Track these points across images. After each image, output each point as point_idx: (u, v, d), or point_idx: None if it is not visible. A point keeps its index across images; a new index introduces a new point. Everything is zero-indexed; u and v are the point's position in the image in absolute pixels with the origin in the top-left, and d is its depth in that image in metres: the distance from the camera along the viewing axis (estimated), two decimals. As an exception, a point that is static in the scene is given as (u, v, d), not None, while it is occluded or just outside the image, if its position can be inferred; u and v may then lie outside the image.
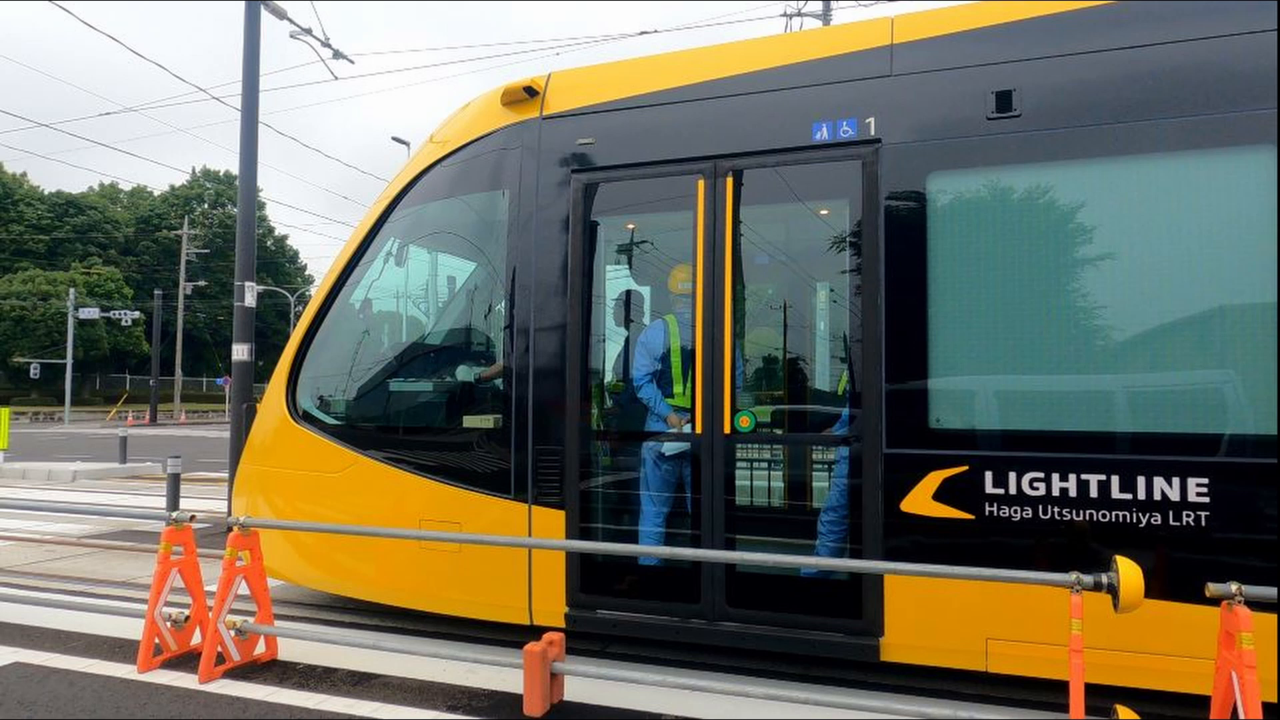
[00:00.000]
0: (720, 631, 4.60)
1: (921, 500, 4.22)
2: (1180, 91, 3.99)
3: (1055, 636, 3.97)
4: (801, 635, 4.46)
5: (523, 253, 5.13)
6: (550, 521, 4.93)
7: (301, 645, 5.10)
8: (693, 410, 4.71)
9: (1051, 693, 4.28)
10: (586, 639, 5.23)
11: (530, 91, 5.23)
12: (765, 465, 5.38)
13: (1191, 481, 3.82)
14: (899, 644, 4.28)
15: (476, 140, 5.47)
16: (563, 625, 4.89)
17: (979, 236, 4.22)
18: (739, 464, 4.75)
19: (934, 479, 4.20)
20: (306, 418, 5.82)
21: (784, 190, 4.67)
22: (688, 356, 4.91)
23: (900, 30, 4.55)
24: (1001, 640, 4.10)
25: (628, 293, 5.61)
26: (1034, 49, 4.27)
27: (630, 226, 5.33)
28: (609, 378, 5.39)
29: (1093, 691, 4.01)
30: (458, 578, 5.18)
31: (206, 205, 62.27)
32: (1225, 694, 3.35)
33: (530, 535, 4.96)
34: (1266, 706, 3.71)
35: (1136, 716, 3.41)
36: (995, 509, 4.10)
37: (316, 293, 6.00)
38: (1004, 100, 4.24)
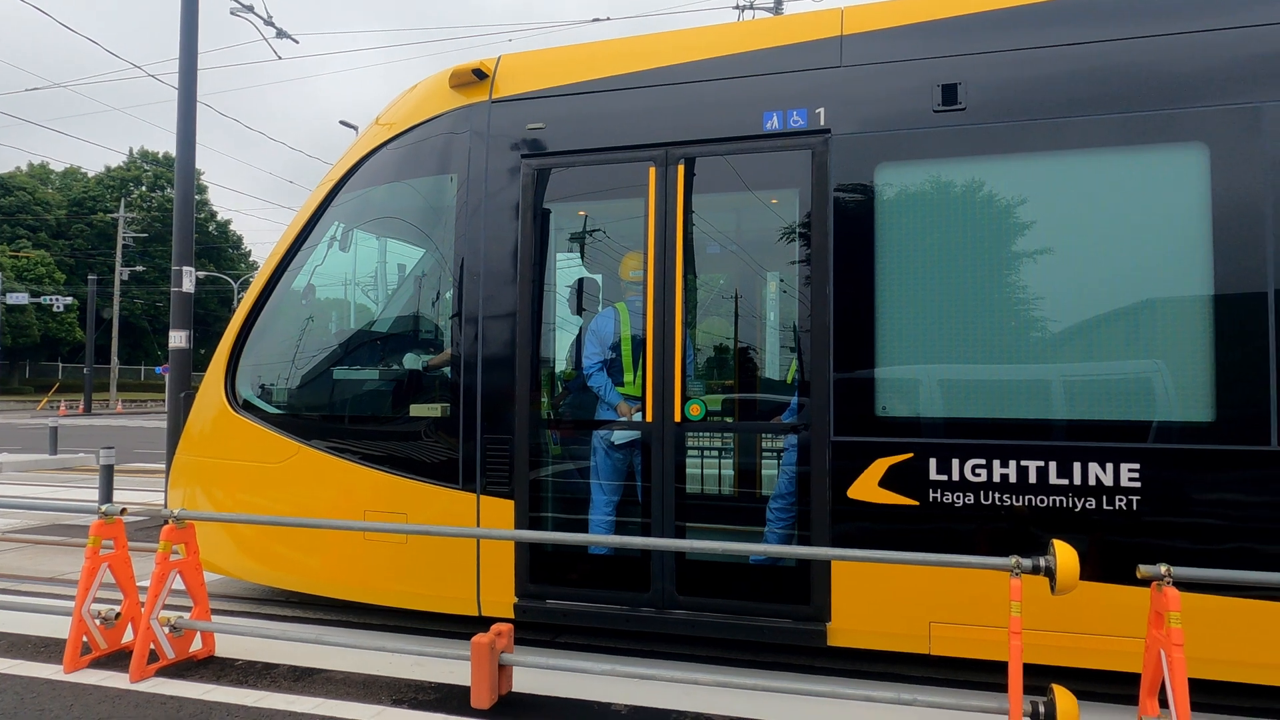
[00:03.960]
0: (671, 620, 4.61)
1: (868, 487, 4.28)
2: (1118, 88, 4.09)
3: (995, 619, 4.07)
4: (751, 622, 4.49)
5: (472, 238, 5.05)
6: (499, 511, 4.87)
7: (240, 641, 4.96)
8: (643, 398, 4.70)
9: (992, 673, 4.39)
10: (536, 629, 5.19)
11: (479, 74, 5.14)
12: (716, 453, 5.40)
13: (1124, 467, 3.94)
14: (846, 629, 4.34)
15: (424, 123, 5.35)
16: (512, 616, 4.85)
17: (925, 228, 4.28)
18: (690, 452, 4.75)
19: (880, 466, 4.25)
20: (247, 407, 5.66)
21: (735, 179, 4.66)
22: (638, 345, 4.89)
23: (850, 22, 4.57)
24: (944, 623, 4.19)
25: (579, 280, 5.56)
26: (978, 43, 4.33)
27: (581, 213, 5.28)
28: (559, 366, 5.34)
29: (1031, 672, 4.12)
30: (404, 569, 5.09)
31: (145, 188, 60.08)
32: (1154, 671, 3.47)
33: (478, 525, 4.89)
34: (1192, 682, 3.86)
35: (1071, 695, 3.51)
36: (939, 495, 4.18)
37: (257, 278, 5.83)
38: (949, 93, 4.30)
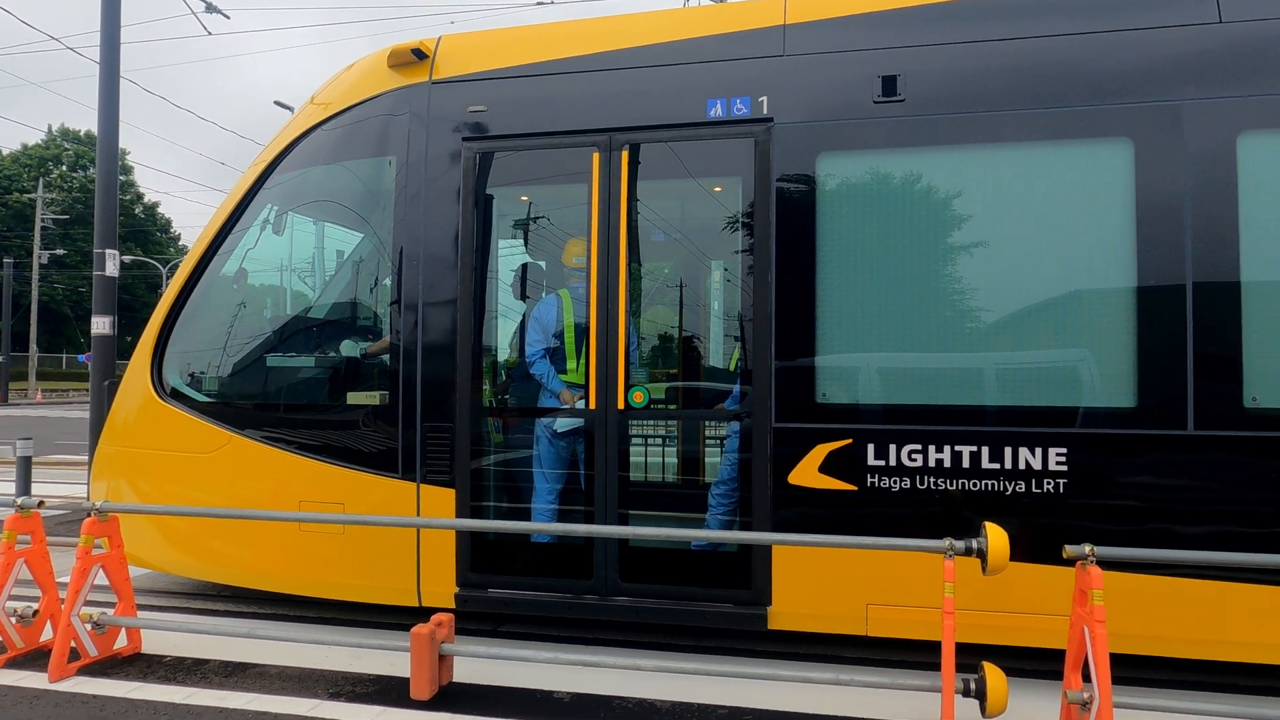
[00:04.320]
0: (614, 606, 4.61)
1: (808, 473, 4.34)
2: (1050, 83, 4.20)
3: (930, 600, 4.17)
4: (693, 607, 4.52)
5: (411, 222, 4.94)
6: (440, 500, 4.80)
7: (169, 637, 4.80)
8: (586, 386, 4.67)
9: (926, 653, 4.51)
10: (479, 619, 5.14)
11: (419, 54, 5.02)
12: (659, 441, 5.42)
13: (1052, 451, 4.07)
14: (786, 613, 4.41)
15: (362, 103, 5.21)
16: (453, 606, 4.79)
17: (864, 218, 4.34)
18: (633, 440, 4.76)
19: (820, 452, 4.32)
20: (175, 395, 5.45)
21: (679, 166, 4.66)
22: (581, 332, 4.86)
23: (793, 11, 4.60)
24: (881, 605, 4.28)
25: (522, 267, 5.51)
26: (918, 36, 4.40)
27: (524, 198, 5.22)
28: (502, 353, 5.28)
29: (965, 650, 4.25)
30: (342, 560, 4.99)
31: (65, 167, 57.29)
32: (1078, 647, 3.60)
33: (419, 515, 4.82)
34: (1114, 657, 4.03)
35: (1001, 671, 3.63)
36: (877, 480, 4.26)
37: (185, 261, 5.61)
38: (889, 85, 4.36)
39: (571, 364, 4.97)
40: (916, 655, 4.55)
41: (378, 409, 4.94)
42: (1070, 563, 3.61)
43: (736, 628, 4.50)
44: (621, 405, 4.60)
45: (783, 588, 4.39)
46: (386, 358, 5.01)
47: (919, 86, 4.34)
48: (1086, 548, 3.52)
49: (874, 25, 4.47)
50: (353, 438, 4.95)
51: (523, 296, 5.36)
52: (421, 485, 4.83)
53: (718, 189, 4.74)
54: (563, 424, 4.92)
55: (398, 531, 4.86)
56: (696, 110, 4.59)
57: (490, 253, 5.00)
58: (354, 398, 5.01)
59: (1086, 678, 3.49)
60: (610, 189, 4.67)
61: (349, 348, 5.31)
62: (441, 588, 4.82)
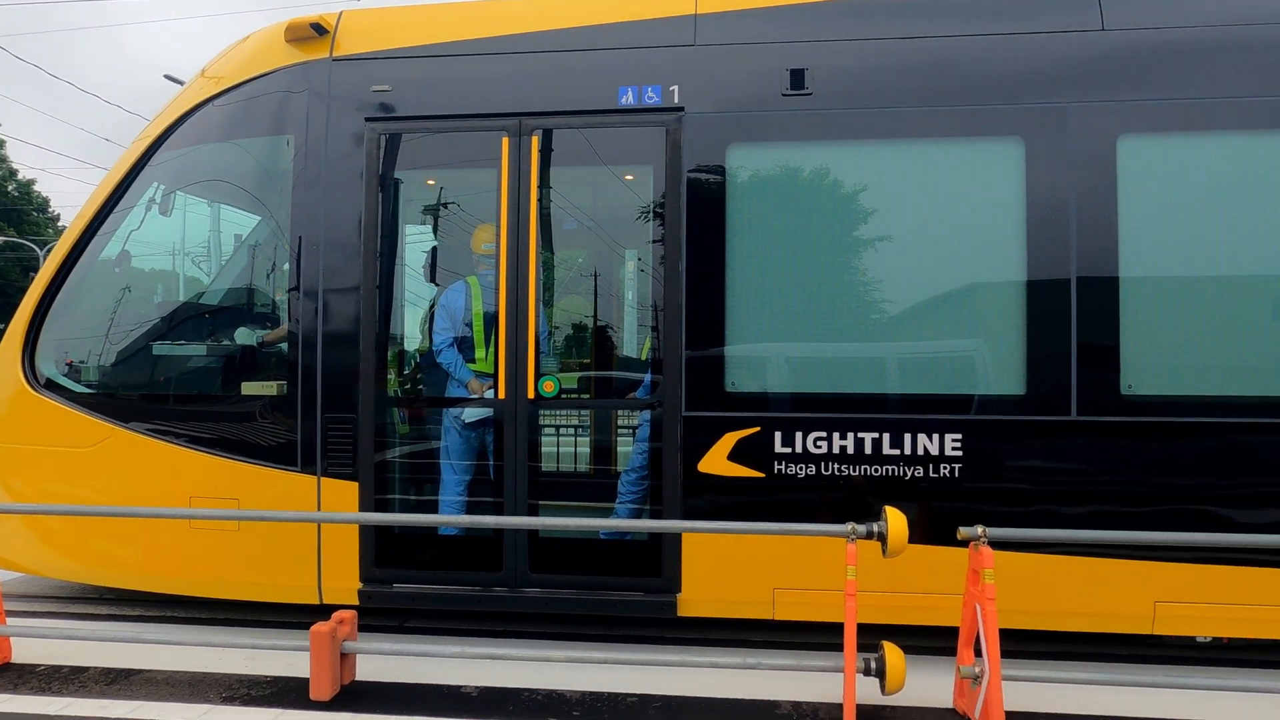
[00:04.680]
0: (524, 598, 4.56)
1: (718, 461, 4.38)
2: (950, 82, 4.34)
3: (835, 583, 4.28)
4: (604, 597, 4.51)
5: (311, 205, 4.73)
6: (342, 494, 4.64)
7: (44, 644, 4.49)
8: (495, 375, 4.59)
9: (831, 634, 4.63)
10: (385, 615, 5.00)
11: (319, 29, 4.80)
12: (571, 430, 5.38)
13: (948, 437, 4.24)
14: (695, 599, 4.45)
15: (257, 78, 4.95)
16: (356, 603, 4.65)
17: (773, 209, 4.40)
18: (543, 429, 4.70)
19: (729, 440, 4.37)
20: (50, 386, 5.08)
21: (590, 153, 4.62)
22: (490, 320, 4.77)
23: (705, 1, 4.61)
24: (787, 590, 4.38)
25: (429, 253, 5.36)
26: (826, 31, 4.48)
27: (431, 182, 5.07)
28: (408, 342, 5.13)
29: (869, 631, 4.40)
30: (237, 559, 4.76)
31: (-74, 139, 52.70)
32: (971, 624, 3.76)
33: (319, 509, 4.64)
34: (1004, 632, 4.24)
35: (899, 650, 3.76)
36: (784, 467, 4.34)
37: (60, 242, 5.22)
38: (797, 78, 4.43)
39: (480, 353, 4.88)
40: (823, 637, 4.68)
41: (275, 400, 4.73)
42: (964, 544, 3.78)
43: (648, 615, 4.52)
44: (531, 395, 4.54)
45: (692, 575, 4.43)
46: (285, 346, 4.80)
47: (826, 81, 4.42)
48: (979, 529, 3.68)
49: (783, 18, 4.53)
50: (248, 430, 4.73)
51: (432, 282, 5.23)
52: (323, 479, 4.66)
53: (629, 177, 4.72)
54: (471, 414, 4.83)
55: (297, 527, 4.68)
56: (608, 97, 4.55)
57: (396, 238, 4.84)
58: (249, 388, 4.78)
59: (979, 652, 3.65)
60: (520, 175, 4.58)
61: (244, 336, 5.06)
62: (344, 584, 4.67)
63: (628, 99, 4.53)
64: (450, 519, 4.28)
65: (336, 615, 4.01)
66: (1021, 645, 4.54)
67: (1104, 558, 4.17)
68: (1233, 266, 4.17)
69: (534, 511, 4.58)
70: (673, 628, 4.86)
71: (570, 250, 5.27)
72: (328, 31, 4.83)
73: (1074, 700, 3.90)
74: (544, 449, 4.78)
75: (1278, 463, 4.09)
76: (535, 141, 4.59)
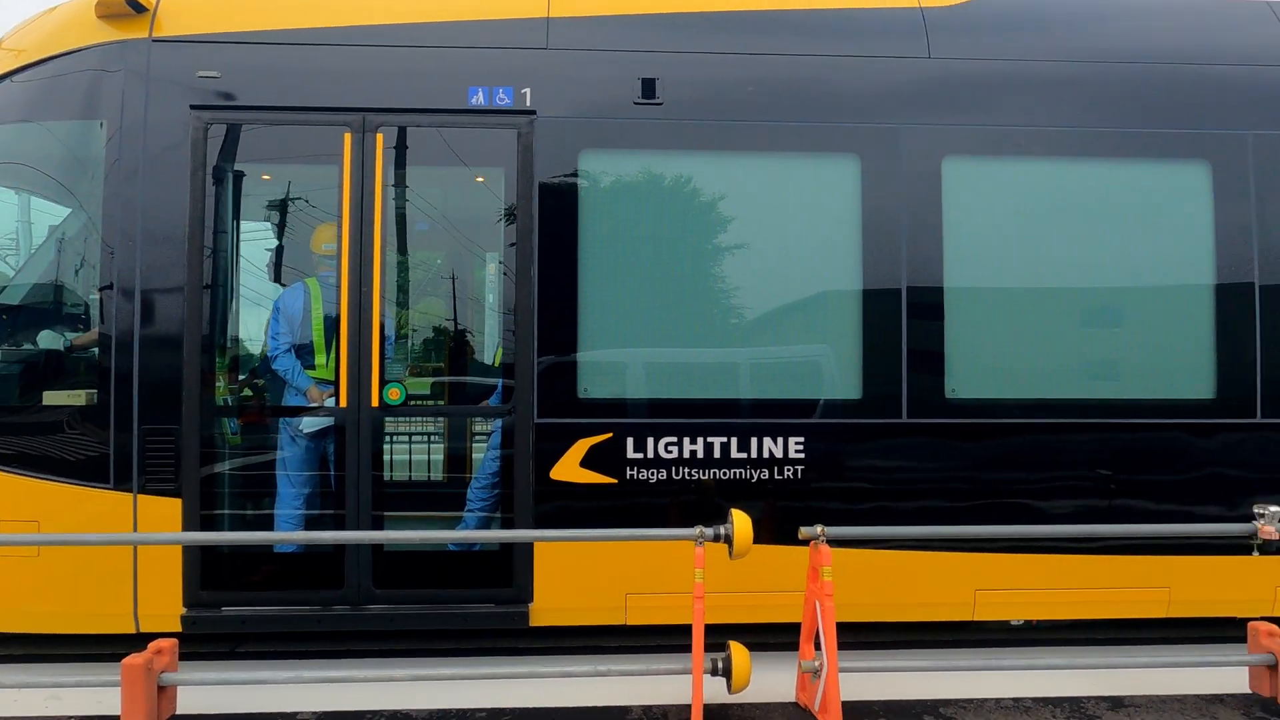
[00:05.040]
0: (368, 615, 4.36)
1: (570, 468, 4.36)
2: (794, 99, 4.52)
3: (686, 586, 4.32)
4: (453, 610, 4.38)
5: (128, 197, 4.33)
6: (163, 512, 4.27)
7: None
8: (337, 382, 4.36)
9: (687, 636, 4.69)
10: (214, 641, 4.64)
11: (136, 6, 4.40)
12: (421, 439, 5.21)
13: (791, 440, 4.40)
14: (547, 608, 4.40)
15: (65, 55, 4.49)
16: (179, 630, 4.28)
17: (624, 216, 4.44)
18: (389, 438, 4.52)
19: (582, 446, 4.35)
20: None
21: (439, 153, 4.49)
22: (331, 324, 4.53)
23: (557, 4, 4.58)
24: (639, 594, 4.41)
25: (271, 252, 5.05)
26: (677, 42, 4.56)
27: (266, 177, 4.77)
28: (241, 346, 4.80)
29: (718, 631, 4.48)
30: (37, 587, 4.27)
31: None
32: (812, 620, 3.92)
33: (135, 529, 4.25)
34: (844, 625, 4.43)
35: (745, 650, 3.86)
36: (636, 472, 4.37)
37: None
38: (649, 87, 4.48)
39: (320, 358, 4.62)
40: (680, 639, 4.72)
41: (85, 410, 4.29)
42: (805, 542, 3.92)
43: (499, 627, 4.43)
44: (376, 403, 4.35)
45: (544, 583, 4.38)
46: (96, 351, 4.37)
47: (677, 91, 4.50)
48: (818, 528, 3.84)
49: (635, 27, 4.57)
50: (50, 444, 4.26)
51: (277, 282, 4.92)
52: (140, 496, 4.27)
53: (481, 179, 4.62)
54: (310, 423, 4.56)
55: (110, 550, 4.25)
56: (458, 96, 4.44)
57: (225, 235, 4.52)
58: (52, 397, 4.32)
59: (819, 647, 3.80)
60: (364, 173, 4.38)
61: (48, 339, 4.58)
62: (164, 610, 4.29)
63: (478, 99, 4.43)
64: (285, 536, 4.03)
65: (153, 645, 3.69)
66: (871, 637, 4.77)
67: (931, 551, 4.45)
68: (1044, 279, 4.57)
69: (379, 525, 4.38)
70: (526, 638, 4.78)
71: (419, 252, 5.09)
72: (147, 10, 4.44)
73: (907, 687, 4.13)
74: (390, 459, 4.61)
75: (1083, 458, 4.50)
76: (380, 139, 4.40)
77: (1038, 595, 4.51)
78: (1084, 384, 4.58)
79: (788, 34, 4.63)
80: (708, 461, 4.39)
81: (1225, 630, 4.67)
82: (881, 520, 4.43)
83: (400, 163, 4.46)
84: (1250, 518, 4.07)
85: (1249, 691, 4.06)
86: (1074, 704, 3.96)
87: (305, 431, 4.58)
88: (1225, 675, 4.18)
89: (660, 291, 4.41)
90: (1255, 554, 4.17)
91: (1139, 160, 4.59)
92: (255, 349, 4.82)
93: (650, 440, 4.36)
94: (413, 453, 5.57)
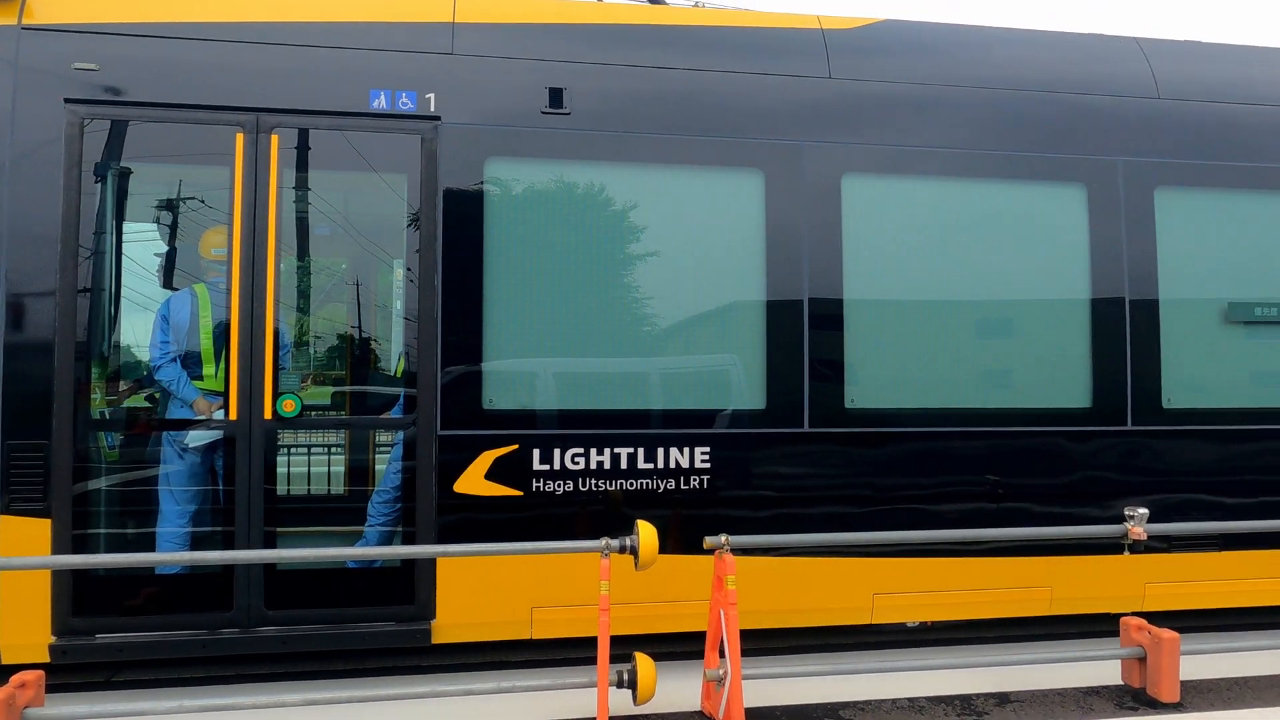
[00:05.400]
0: (259, 638, 4.15)
1: (475, 480, 4.27)
2: (700, 114, 4.58)
3: (591, 598, 4.31)
4: (351, 630, 4.22)
5: (-9, 195, 4.02)
6: (30, 534, 3.96)
7: None
8: (226, 394, 4.15)
9: (592, 649, 4.66)
10: (90, 670, 4.33)
11: (4, -10, 4.11)
12: (321, 452, 5.03)
13: (698, 450, 4.44)
14: (451, 624, 4.30)
15: (-83, 39, 4.14)
16: (48, 660, 3.98)
17: (531, 226, 4.39)
18: (283, 452, 4.34)
19: (486, 458, 4.28)
20: None
21: (339, 157, 4.34)
22: (221, 332, 4.31)
23: (463, 10, 4.51)
24: (545, 608, 4.35)
25: (156, 257, 4.78)
26: (585, 53, 4.56)
27: (149, 177, 4.51)
28: (120, 355, 4.51)
29: (628, 642, 4.47)
30: (-120, 619, 3.91)
31: None
32: (717, 628, 3.95)
33: (-3, 553, 3.93)
34: (752, 632, 4.49)
35: (650, 661, 3.86)
36: (542, 484, 4.32)
37: None
38: (556, 97, 4.46)
39: (209, 369, 4.39)
40: (587, 652, 4.69)
41: (-62, 424, 3.95)
42: (710, 551, 3.96)
43: (400, 645, 4.29)
44: (269, 415, 4.16)
45: (448, 599, 4.27)
46: (-48, 360, 4.02)
47: (585, 101, 4.49)
48: (723, 538, 3.88)
49: (543, 36, 4.55)
50: None
51: (168, 288, 4.66)
52: (3, 518, 3.95)
53: (382, 185, 4.49)
54: (197, 437, 4.32)
55: (-34, 576, 3.92)
56: (358, 99, 4.31)
57: (104, 236, 4.24)
58: None
59: (723, 654, 3.84)
60: (257, 176, 4.20)
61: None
62: (31, 639, 3.98)
63: (380, 103, 4.32)
64: (167, 557, 3.81)
65: (16, 678, 3.41)
66: (780, 643, 4.84)
67: (832, 557, 4.56)
68: (938, 294, 4.76)
69: (271, 542, 4.19)
70: (430, 656, 4.65)
71: (318, 258, 4.90)
72: (17, -6, 4.14)
73: (808, 691, 4.21)
74: (285, 473, 4.42)
75: (974, 465, 4.70)
76: (276, 140, 4.23)
77: (932, 597, 4.69)
78: (975, 394, 4.79)
79: (695, 49, 4.69)
80: (615, 472, 4.38)
81: (1101, 625, 4.96)
82: (785, 528, 4.51)
83: (297, 165, 4.29)
84: (1122, 519, 4.35)
85: (1121, 683, 4.32)
86: (965, 701, 4.13)
87: (191, 445, 4.33)
88: (1101, 668, 4.43)
89: (567, 302, 4.39)
90: (1126, 553, 4.45)
91: (1024, 182, 4.85)
92: (137, 358, 4.54)
93: (557, 451, 4.32)
94: (311, 466, 5.36)
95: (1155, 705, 4.07)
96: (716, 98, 4.61)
